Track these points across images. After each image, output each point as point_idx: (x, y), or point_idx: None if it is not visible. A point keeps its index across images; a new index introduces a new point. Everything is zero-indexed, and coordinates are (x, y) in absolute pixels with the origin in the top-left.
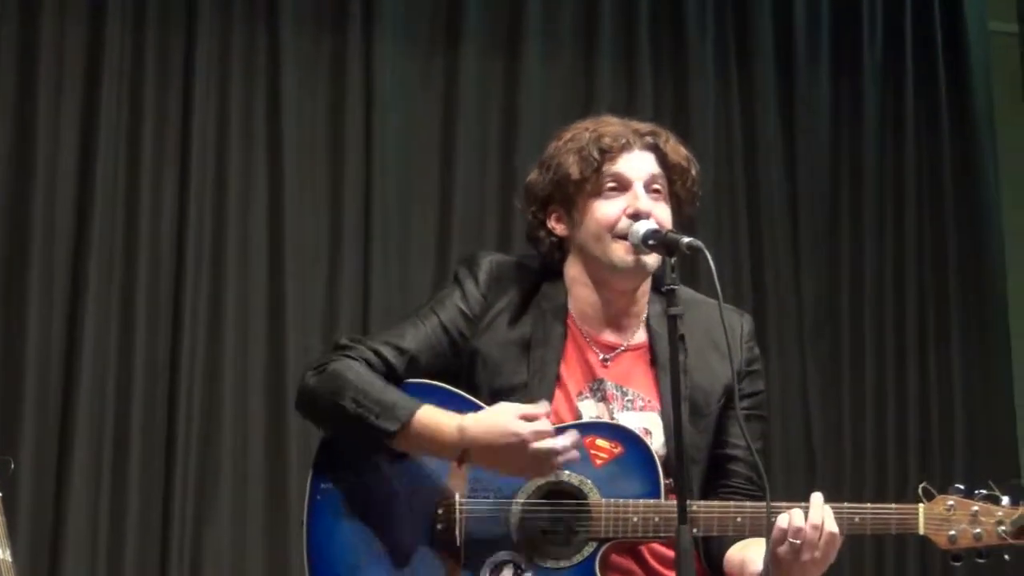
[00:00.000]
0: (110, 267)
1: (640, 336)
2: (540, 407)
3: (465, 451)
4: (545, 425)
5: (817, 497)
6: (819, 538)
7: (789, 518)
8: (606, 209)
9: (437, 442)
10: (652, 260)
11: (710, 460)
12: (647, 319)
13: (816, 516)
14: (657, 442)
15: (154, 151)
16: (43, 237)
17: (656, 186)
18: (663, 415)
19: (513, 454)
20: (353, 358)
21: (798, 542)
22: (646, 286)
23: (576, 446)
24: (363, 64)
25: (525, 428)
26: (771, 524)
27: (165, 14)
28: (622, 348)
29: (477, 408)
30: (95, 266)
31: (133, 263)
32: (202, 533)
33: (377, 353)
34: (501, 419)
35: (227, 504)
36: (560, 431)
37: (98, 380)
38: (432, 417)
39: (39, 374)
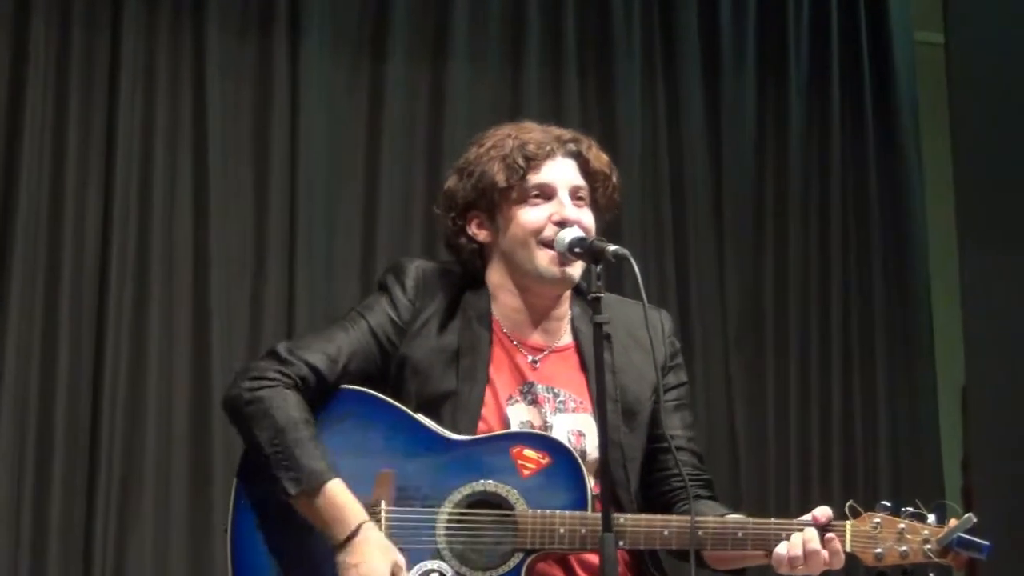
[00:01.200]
0: (33, 273)
1: (567, 338)
2: None
3: (337, 551)
4: None
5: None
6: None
7: (787, 555)
8: (532, 216)
9: (325, 527)
10: (576, 271)
11: (649, 455)
12: (572, 320)
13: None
14: (591, 444)
15: (78, 155)
16: None
17: (580, 194)
18: (596, 416)
19: None
20: (290, 379)
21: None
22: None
23: None
24: (289, 70)
25: None
26: (699, 538)
27: (91, 15)
28: (549, 350)
29: (404, 416)
30: (18, 272)
31: (56, 269)
32: (125, 540)
33: (312, 367)
34: (377, 568)
35: (150, 510)
36: (490, 440)
37: (20, 388)
38: (331, 504)
39: None
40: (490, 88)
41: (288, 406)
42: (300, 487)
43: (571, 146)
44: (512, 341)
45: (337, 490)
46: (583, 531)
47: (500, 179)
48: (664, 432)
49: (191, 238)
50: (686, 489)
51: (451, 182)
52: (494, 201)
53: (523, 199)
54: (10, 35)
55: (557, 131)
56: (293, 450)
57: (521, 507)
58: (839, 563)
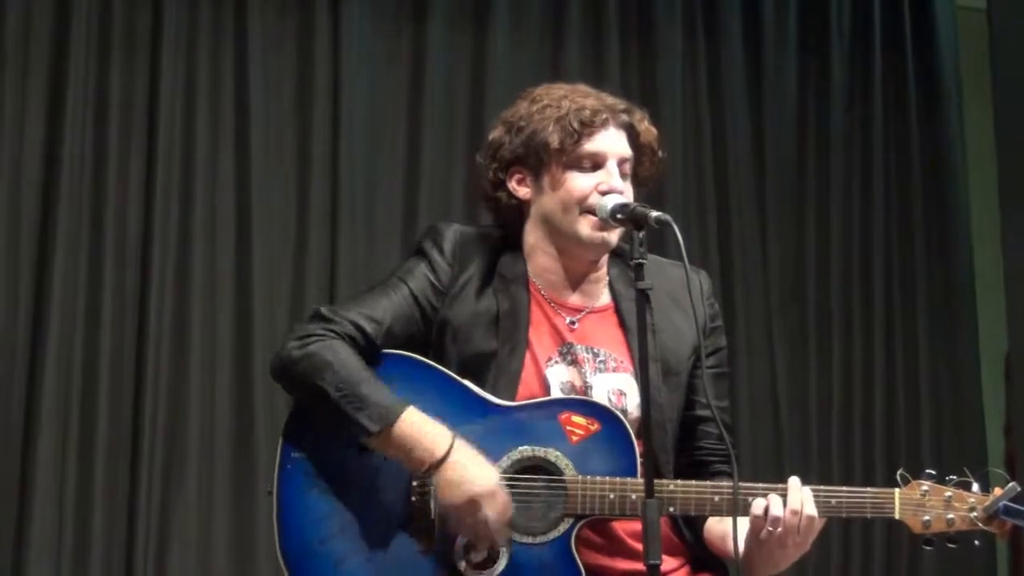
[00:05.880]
0: (76, 244)
1: (605, 298)
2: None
3: (428, 476)
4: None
5: (795, 481)
6: (799, 524)
7: (767, 504)
8: (580, 183)
9: (409, 454)
10: (615, 237)
11: (681, 421)
12: (610, 281)
13: (795, 501)
14: (632, 403)
15: (121, 127)
16: (8, 214)
17: (625, 166)
18: (636, 376)
19: (469, 518)
20: (337, 335)
21: (778, 528)
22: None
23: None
24: (330, 38)
25: (495, 514)
26: (742, 503)
27: None
28: (588, 310)
29: (451, 381)
30: (62, 242)
31: (100, 239)
32: (169, 508)
33: (357, 327)
34: (482, 484)
35: (193, 477)
36: (537, 406)
37: (64, 357)
38: (415, 429)
39: (4, 349)
40: (531, 56)
41: (343, 354)
42: (381, 422)
43: (623, 117)
44: (549, 303)
45: (416, 415)
46: (633, 497)
47: (553, 140)
48: (702, 401)
49: (233, 208)
50: (725, 461)
51: (497, 133)
52: (542, 161)
53: (573, 165)
54: (52, 10)
55: (610, 99)
56: (361, 390)
57: (570, 473)
58: (809, 523)
